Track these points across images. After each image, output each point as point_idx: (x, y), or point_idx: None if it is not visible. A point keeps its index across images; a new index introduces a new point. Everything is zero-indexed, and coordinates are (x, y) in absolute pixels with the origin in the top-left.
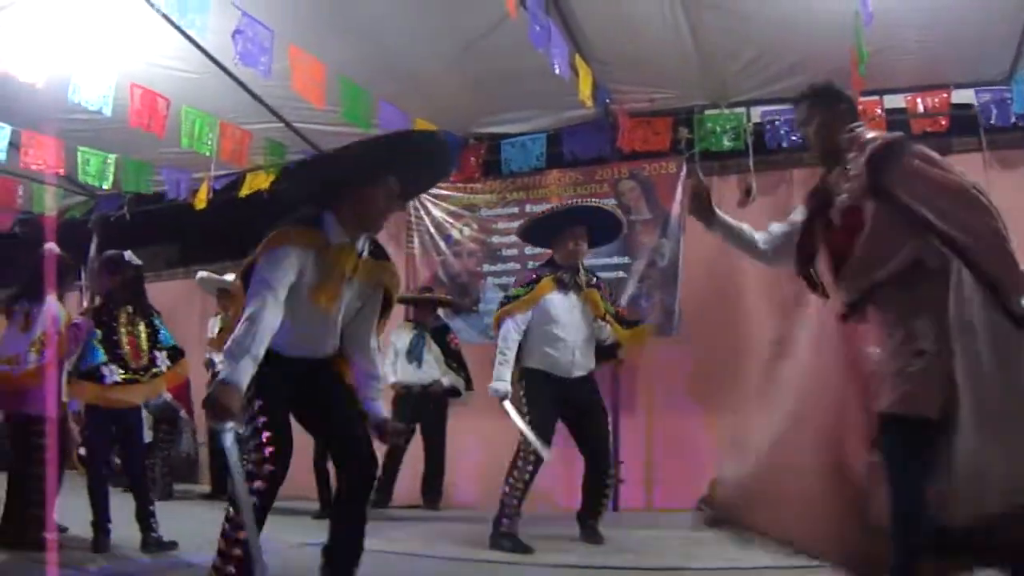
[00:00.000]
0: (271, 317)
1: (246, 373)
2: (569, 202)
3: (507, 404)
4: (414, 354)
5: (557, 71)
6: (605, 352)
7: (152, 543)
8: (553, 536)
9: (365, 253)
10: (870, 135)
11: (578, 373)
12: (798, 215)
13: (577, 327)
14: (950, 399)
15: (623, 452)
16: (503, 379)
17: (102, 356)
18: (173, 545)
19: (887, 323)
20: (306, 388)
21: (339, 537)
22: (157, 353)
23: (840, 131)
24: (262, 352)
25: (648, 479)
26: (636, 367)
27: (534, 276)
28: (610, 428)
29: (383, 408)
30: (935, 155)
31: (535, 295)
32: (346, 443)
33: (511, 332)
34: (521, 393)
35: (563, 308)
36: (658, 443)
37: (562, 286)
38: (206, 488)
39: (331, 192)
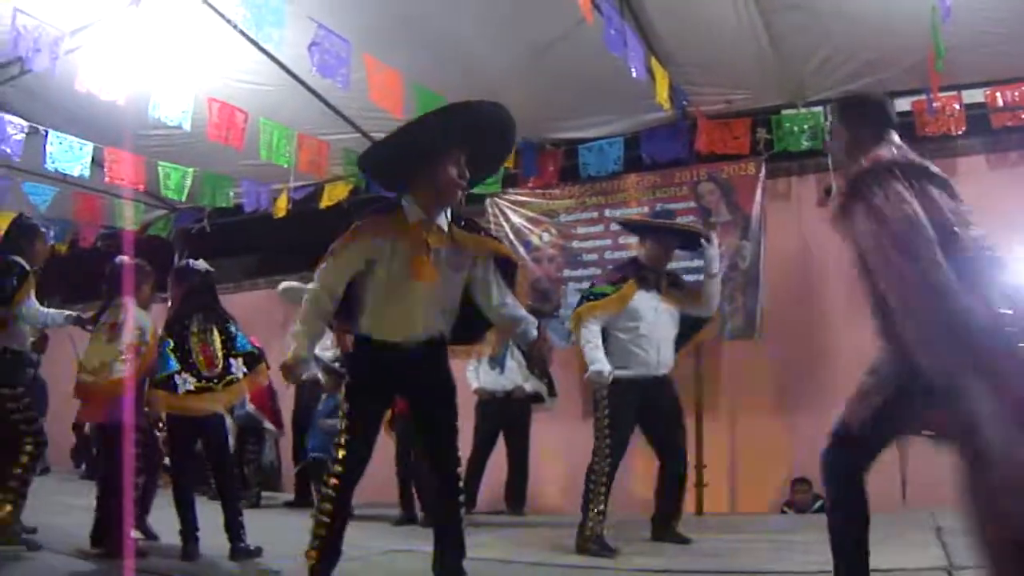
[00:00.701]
0: (321, 304)
1: (308, 347)
2: (674, 219)
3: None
4: (496, 360)
5: (634, 74)
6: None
7: (241, 552)
8: (638, 539)
9: (446, 226)
10: (859, 168)
11: (662, 371)
12: None
13: (663, 324)
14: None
15: (706, 455)
16: (601, 359)
17: (175, 365)
18: (259, 552)
19: None
20: (399, 380)
21: (441, 541)
22: (232, 360)
23: (856, 159)
24: (319, 328)
25: (732, 482)
26: (718, 370)
27: (619, 276)
28: (691, 431)
29: (532, 332)
30: (896, 190)
31: (624, 295)
32: (431, 444)
33: (593, 324)
34: (604, 403)
35: (648, 306)
36: (741, 446)
37: (646, 284)
38: (289, 496)
39: (403, 175)
